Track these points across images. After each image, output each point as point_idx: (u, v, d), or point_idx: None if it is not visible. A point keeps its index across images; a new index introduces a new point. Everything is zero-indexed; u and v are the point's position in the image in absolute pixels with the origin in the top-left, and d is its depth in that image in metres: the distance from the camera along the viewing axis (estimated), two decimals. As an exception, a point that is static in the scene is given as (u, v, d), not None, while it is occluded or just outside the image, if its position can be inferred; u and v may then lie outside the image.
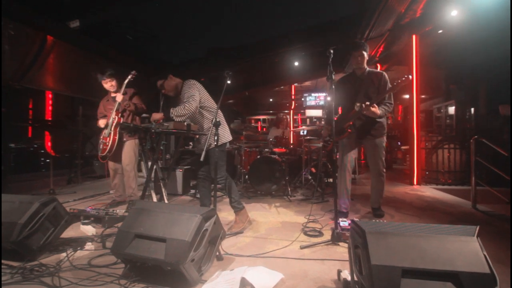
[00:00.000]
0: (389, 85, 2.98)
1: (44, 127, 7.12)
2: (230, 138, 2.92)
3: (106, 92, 3.68)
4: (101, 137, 3.50)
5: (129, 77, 3.31)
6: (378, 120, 3.03)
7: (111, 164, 3.65)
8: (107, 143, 3.40)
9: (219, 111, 2.85)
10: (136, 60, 6.58)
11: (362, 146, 3.26)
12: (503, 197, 3.43)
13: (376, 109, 2.83)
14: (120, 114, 3.43)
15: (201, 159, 2.33)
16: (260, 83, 9.74)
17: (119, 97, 3.37)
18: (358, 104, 2.92)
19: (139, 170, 3.95)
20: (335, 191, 2.61)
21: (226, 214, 3.33)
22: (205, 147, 2.39)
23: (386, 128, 3.11)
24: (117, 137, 3.40)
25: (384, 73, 3.05)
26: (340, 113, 3.32)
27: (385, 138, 3.11)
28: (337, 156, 3.21)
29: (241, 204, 2.86)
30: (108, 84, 3.56)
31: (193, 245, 1.67)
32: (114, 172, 3.68)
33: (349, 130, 3.04)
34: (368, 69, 3.09)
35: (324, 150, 4.41)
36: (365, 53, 3.01)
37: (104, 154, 3.41)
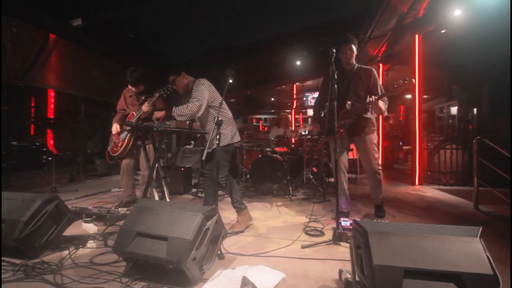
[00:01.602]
0: (379, 82, 2.93)
1: (46, 125, 7.14)
2: (236, 139, 2.86)
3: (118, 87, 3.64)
4: (114, 136, 3.41)
5: (163, 90, 3.05)
6: (367, 117, 2.97)
7: (124, 163, 3.58)
8: (119, 146, 3.34)
9: (229, 112, 2.84)
10: (138, 59, 6.58)
11: (354, 146, 3.17)
12: (505, 198, 3.42)
13: (382, 105, 2.78)
14: (141, 122, 3.29)
15: (203, 158, 2.34)
16: (262, 82, 9.74)
17: (145, 107, 3.24)
18: (349, 103, 2.86)
19: (140, 169, 3.95)
20: (336, 190, 2.60)
21: (227, 213, 3.33)
22: (206, 146, 2.39)
23: (375, 125, 3.04)
24: (130, 143, 3.32)
25: (373, 69, 2.97)
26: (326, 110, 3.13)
27: (375, 134, 3.03)
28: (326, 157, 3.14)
29: (243, 204, 2.85)
30: (134, 90, 3.54)
31: (194, 243, 1.67)
32: (124, 171, 3.59)
33: (341, 130, 2.93)
34: (357, 65, 3.01)
35: (312, 148, 4.34)
36: (354, 48, 2.92)
37: (114, 155, 3.37)
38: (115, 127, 3.43)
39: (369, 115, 2.99)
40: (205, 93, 2.65)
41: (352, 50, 2.91)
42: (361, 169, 6.75)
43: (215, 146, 2.57)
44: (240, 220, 2.81)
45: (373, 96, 2.74)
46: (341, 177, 3.06)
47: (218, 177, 2.65)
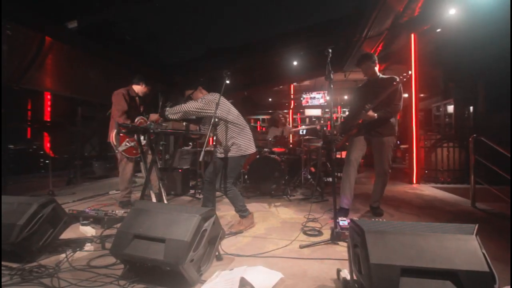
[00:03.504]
0: (400, 93, 3.06)
1: (43, 128, 7.11)
2: (251, 151, 2.84)
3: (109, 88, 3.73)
4: (127, 138, 3.47)
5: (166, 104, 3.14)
6: (388, 120, 3.10)
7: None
8: (135, 149, 3.43)
9: (244, 123, 2.87)
10: (135, 60, 6.57)
11: (370, 145, 3.30)
12: (502, 195, 3.44)
13: (371, 113, 2.96)
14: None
15: (200, 159, 2.34)
16: (259, 83, 9.74)
17: (154, 116, 3.17)
18: (367, 106, 3.02)
19: (139, 170, 3.95)
20: (334, 190, 2.61)
21: (225, 214, 3.33)
22: (204, 148, 2.38)
23: (396, 130, 3.16)
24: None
25: (396, 77, 3.07)
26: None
27: (394, 138, 3.16)
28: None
29: (246, 212, 2.82)
30: (144, 89, 3.69)
31: (192, 245, 1.67)
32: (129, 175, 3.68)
33: (355, 129, 3.17)
34: (381, 75, 3.20)
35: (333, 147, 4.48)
36: (370, 63, 3.13)
37: (133, 157, 3.46)
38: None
39: (391, 119, 3.13)
40: (209, 103, 2.65)
41: (368, 67, 3.15)
42: (360, 168, 6.76)
43: (230, 153, 2.60)
44: (242, 222, 2.79)
45: (368, 105, 2.96)
46: (350, 173, 3.15)
47: (218, 184, 2.67)
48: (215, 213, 1.94)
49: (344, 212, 3.11)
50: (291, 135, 5.22)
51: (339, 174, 5.77)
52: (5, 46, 3.99)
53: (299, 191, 4.73)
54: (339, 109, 12.31)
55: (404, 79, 2.86)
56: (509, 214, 3.18)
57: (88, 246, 2.30)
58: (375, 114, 2.97)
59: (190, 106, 2.64)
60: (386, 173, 3.15)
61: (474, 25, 5.31)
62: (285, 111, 11.92)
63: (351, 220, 1.66)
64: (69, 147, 6.42)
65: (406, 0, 4.58)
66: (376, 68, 3.19)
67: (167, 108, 2.64)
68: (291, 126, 9.50)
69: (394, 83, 2.91)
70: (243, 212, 2.80)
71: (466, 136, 5.27)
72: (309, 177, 4.94)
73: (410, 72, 2.87)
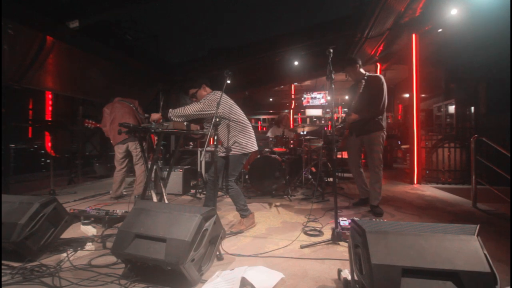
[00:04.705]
0: (382, 90, 3.23)
1: (44, 127, 7.13)
2: (253, 149, 2.83)
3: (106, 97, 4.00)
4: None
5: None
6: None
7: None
8: None
9: (247, 121, 2.89)
10: (136, 60, 6.57)
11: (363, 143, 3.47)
12: (503, 196, 3.43)
13: (353, 116, 3.29)
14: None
15: (201, 159, 2.34)
16: (260, 83, 9.74)
17: (154, 116, 3.05)
18: (346, 112, 3.37)
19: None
20: (335, 190, 2.61)
21: (226, 214, 3.33)
22: (205, 147, 2.38)
23: (382, 125, 3.28)
24: None
25: (378, 76, 3.29)
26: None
27: (381, 134, 3.29)
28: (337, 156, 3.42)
29: (247, 211, 2.82)
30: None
31: (193, 245, 1.67)
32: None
33: (347, 130, 3.46)
34: (367, 74, 3.36)
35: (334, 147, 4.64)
36: (351, 68, 3.33)
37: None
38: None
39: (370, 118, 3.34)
40: (211, 103, 2.62)
41: (351, 71, 3.35)
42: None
43: (232, 152, 2.61)
44: (243, 222, 2.79)
45: (347, 112, 3.32)
46: (354, 174, 3.56)
47: (218, 182, 2.66)
48: (216, 213, 1.94)
49: (363, 202, 3.56)
50: (292, 135, 5.22)
51: (340, 174, 5.79)
52: (7, 45, 4.00)
53: (300, 191, 4.73)
54: (340, 109, 12.31)
55: (342, 129, 3.33)
56: (509, 214, 3.17)
57: (89, 246, 2.30)
58: (357, 116, 3.25)
59: (192, 109, 2.61)
60: (378, 167, 3.27)
61: (476, 26, 5.30)
62: (286, 111, 11.92)
63: (352, 220, 1.66)
64: (70, 147, 6.44)
65: (407, 0, 4.57)
66: (362, 69, 3.35)
67: (170, 110, 2.63)
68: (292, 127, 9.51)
69: (379, 83, 3.15)
70: (244, 212, 2.80)
71: (467, 137, 5.27)
72: (310, 177, 4.94)
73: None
